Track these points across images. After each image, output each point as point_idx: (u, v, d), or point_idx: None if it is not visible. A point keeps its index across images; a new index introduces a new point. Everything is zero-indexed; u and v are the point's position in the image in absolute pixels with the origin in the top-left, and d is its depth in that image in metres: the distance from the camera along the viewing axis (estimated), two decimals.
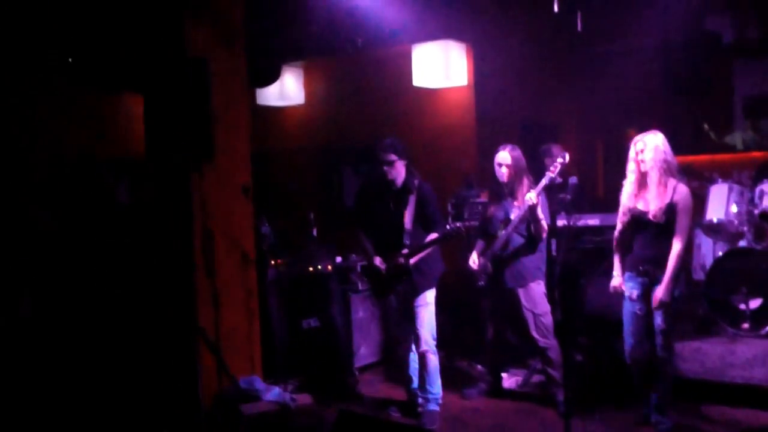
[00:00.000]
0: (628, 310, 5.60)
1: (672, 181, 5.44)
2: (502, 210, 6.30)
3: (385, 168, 5.99)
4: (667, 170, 5.42)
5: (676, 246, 5.39)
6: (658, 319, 5.48)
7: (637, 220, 5.51)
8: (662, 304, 5.40)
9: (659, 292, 5.39)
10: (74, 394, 6.00)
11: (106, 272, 6.91)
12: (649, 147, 5.41)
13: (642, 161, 5.44)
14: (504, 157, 6.21)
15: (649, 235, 5.49)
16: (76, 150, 7.73)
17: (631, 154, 5.51)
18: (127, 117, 8.10)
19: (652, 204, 5.43)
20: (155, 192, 6.26)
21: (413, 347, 6.17)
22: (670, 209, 5.39)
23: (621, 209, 5.63)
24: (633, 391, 5.82)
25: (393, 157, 5.97)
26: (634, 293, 5.55)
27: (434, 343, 6.09)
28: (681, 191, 5.43)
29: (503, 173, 6.22)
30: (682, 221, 5.41)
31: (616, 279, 5.72)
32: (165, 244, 6.13)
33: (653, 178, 5.42)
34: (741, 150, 10.41)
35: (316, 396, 5.93)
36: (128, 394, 5.90)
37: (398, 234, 6.03)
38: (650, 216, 5.41)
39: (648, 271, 5.49)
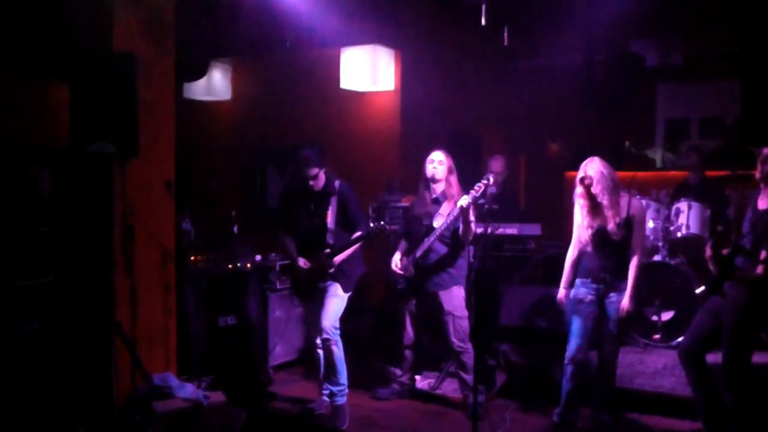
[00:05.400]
0: (581, 313, 5.77)
1: (625, 197, 5.71)
2: (427, 216, 6.40)
3: (311, 183, 6.08)
4: (615, 189, 5.66)
5: (636, 257, 5.66)
6: (611, 325, 5.73)
7: (599, 235, 5.70)
8: (628, 313, 5.65)
9: (625, 302, 5.63)
10: None
11: (21, 263, 6.77)
12: (596, 178, 5.61)
13: (594, 194, 5.63)
14: (439, 155, 6.32)
15: (606, 247, 5.69)
16: None
17: (578, 189, 5.70)
18: (54, 105, 7.91)
19: (611, 221, 5.63)
20: (77, 184, 6.20)
21: (318, 340, 6.23)
22: (628, 223, 5.64)
23: (582, 228, 5.78)
24: (550, 395, 6.02)
25: (315, 170, 6.06)
26: (589, 297, 5.74)
27: (337, 333, 6.11)
28: (636, 205, 5.72)
29: (436, 170, 6.31)
30: (639, 233, 5.71)
31: (563, 291, 5.91)
32: (85, 237, 6.08)
33: (607, 203, 5.62)
34: (660, 168, 10.73)
35: (229, 394, 5.93)
36: (42, 391, 5.80)
37: (321, 234, 6.11)
38: (610, 232, 5.62)
39: (605, 279, 5.70)
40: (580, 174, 5.70)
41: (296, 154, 6.18)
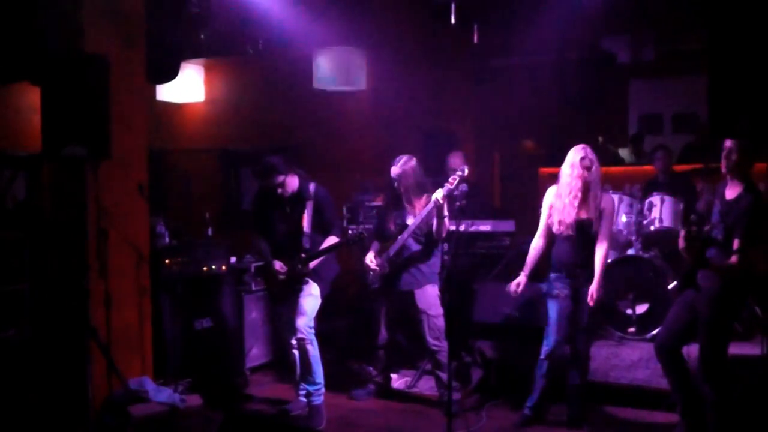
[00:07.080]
0: (558, 309, 5.79)
1: (599, 191, 5.77)
2: (399, 215, 6.41)
3: (279, 191, 6.06)
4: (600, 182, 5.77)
5: (603, 247, 5.73)
6: (584, 317, 5.78)
7: (580, 226, 5.72)
8: (597, 299, 5.68)
9: (594, 289, 5.67)
10: None
11: None
12: (596, 164, 5.69)
13: (589, 180, 5.67)
14: (394, 171, 6.29)
15: (577, 240, 5.74)
16: None
17: (576, 171, 5.68)
18: (28, 109, 7.82)
19: (584, 213, 5.70)
20: (50, 188, 6.17)
21: (293, 340, 6.22)
22: (599, 215, 5.71)
23: (567, 214, 5.77)
24: (526, 391, 6.03)
25: (280, 178, 6.01)
26: (564, 292, 5.77)
27: (312, 332, 6.11)
28: (607, 199, 5.81)
29: (400, 186, 6.30)
30: (607, 225, 5.78)
31: (522, 278, 5.92)
32: (58, 240, 6.04)
33: (593, 192, 5.70)
34: (631, 163, 10.82)
35: (205, 397, 5.92)
36: (18, 396, 5.76)
37: (297, 238, 6.09)
38: (590, 223, 5.70)
39: (579, 274, 5.75)
40: (581, 154, 5.71)
41: (258, 163, 6.16)
